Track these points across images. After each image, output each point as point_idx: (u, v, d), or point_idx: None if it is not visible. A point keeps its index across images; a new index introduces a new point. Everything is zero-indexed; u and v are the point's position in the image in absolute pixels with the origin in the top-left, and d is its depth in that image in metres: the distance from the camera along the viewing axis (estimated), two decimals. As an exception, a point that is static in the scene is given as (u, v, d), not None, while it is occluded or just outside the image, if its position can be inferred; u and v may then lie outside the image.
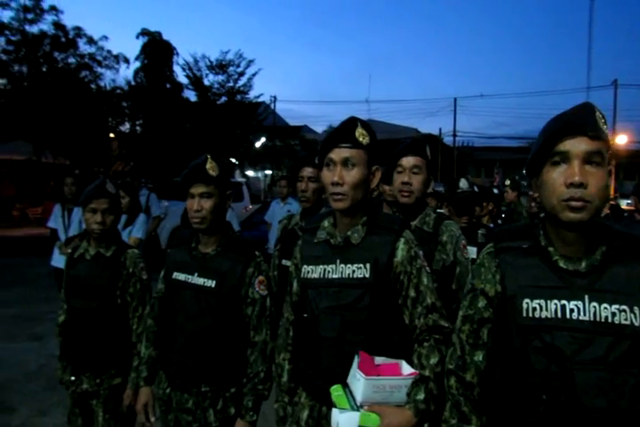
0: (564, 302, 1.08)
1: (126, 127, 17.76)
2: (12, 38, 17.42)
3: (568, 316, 1.06)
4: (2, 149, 16.03)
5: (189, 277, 1.74)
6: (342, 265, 1.42)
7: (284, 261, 2.36)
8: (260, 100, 20.02)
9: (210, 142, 16.37)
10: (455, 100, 27.96)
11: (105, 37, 19.09)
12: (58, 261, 4.45)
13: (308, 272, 1.49)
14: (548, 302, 1.09)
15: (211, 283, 1.70)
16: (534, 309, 1.09)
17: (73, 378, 2.10)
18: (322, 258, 1.47)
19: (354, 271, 1.40)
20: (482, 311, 1.21)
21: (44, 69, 17.55)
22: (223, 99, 18.32)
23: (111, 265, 2.09)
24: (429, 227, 1.98)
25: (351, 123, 1.43)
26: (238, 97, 18.38)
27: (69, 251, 4.35)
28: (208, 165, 1.71)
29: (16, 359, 4.19)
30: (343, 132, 1.42)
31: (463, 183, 2.74)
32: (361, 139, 1.40)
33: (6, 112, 16.84)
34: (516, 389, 1.11)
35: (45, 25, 17.64)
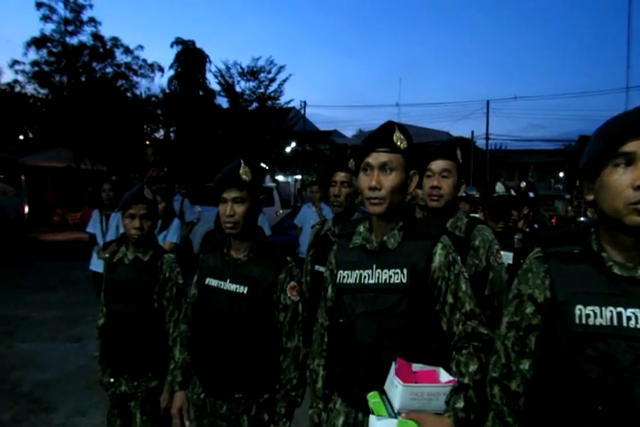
0: (620, 309, 1.03)
1: (160, 134, 18.22)
2: (54, 50, 18.21)
3: (625, 324, 1.01)
4: (44, 157, 16.75)
5: (222, 282, 1.75)
6: (379, 270, 1.41)
7: (317, 267, 2.36)
8: (291, 105, 20.25)
9: (241, 148, 16.60)
10: (488, 102, 27.45)
11: (140, 47, 19.75)
12: (96, 265, 4.58)
13: (344, 277, 1.48)
14: (603, 308, 1.04)
15: (243, 289, 1.70)
16: (587, 316, 1.05)
17: (112, 380, 2.14)
18: (358, 263, 1.46)
19: (390, 277, 1.39)
20: (529, 318, 1.16)
21: (83, 79, 18.22)
22: (254, 105, 18.57)
23: (148, 270, 2.13)
24: (461, 231, 1.95)
25: (389, 127, 1.42)
26: (269, 103, 18.60)
27: (107, 255, 4.50)
28: (241, 170, 1.72)
29: (57, 360, 4.32)
30: (381, 136, 1.41)
31: (499, 187, 2.68)
32: (399, 143, 1.39)
33: (48, 121, 17.57)
34: (568, 399, 1.07)
35: (84, 36, 18.37)
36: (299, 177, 28.35)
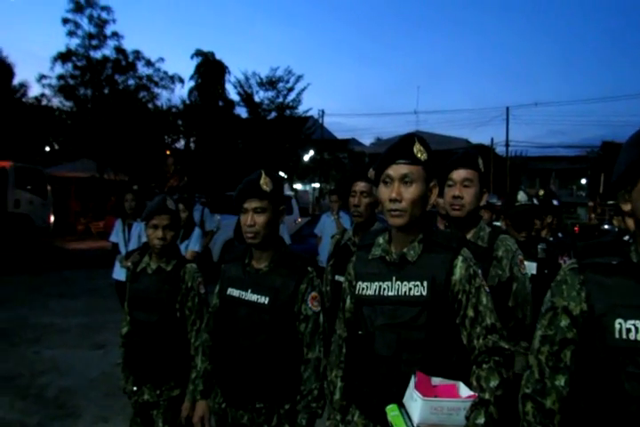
0: None
1: (181, 144, 18.50)
2: (79, 64, 18.69)
3: None
4: (68, 167, 17.18)
5: (243, 293, 1.76)
6: (398, 282, 1.41)
7: (337, 277, 2.36)
8: (309, 114, 20.40)
9: (260, 157, 16.75)
10: (508, 109, 27.20)
11: (161, 59, 20.10)
12: (119, 273, 4.64)
13: (363, 289, 1.48)
14: None
15: (264, 299, 1.71)
16: (628, 330, 1.00)
17: (135, 388, 2.16)
18: (377, 275, 1.46)
19: (410, 289, 1.38)
20: (564, 331, 1.12)
21: (107, 92, 18.64)
22: (273, 114, 18.76)
23: (171, 279, 2.15)
24: (484, 241, 1.93)
25: (409, 139, 1.43)
26: (287, 112, 18.77)
27: (130, 264, 4.56)
28: (262, 181, 1.74)
29: (81, 366, 4.38)
30: (401, 148, 1.41)
31: (522, 196, 2.64)
32: (419, 155, 1.40)
33: (73, 133, 18.00)
34: (607, 418, 1.03)
35: (108, 50, 18.81)
36: (317, 185, 28.44)
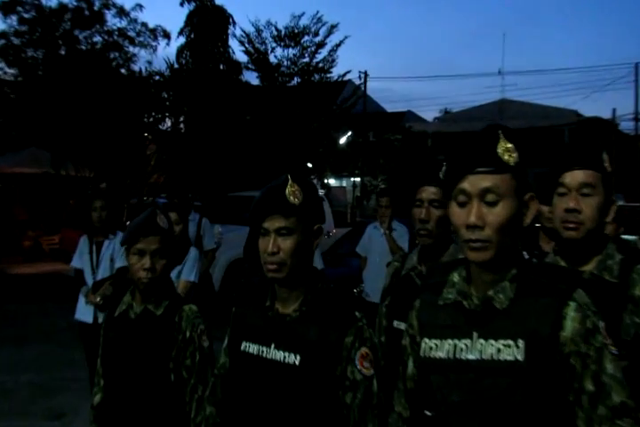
0: None
1: (167, 125, 18.71)
2: (26, 16, 19.32)
3: None
4: (12, 160, 17.25)
5: (264, 349, 1.78)
6: (482, 341, 1.42)
7: (395, 323, 2.36)
8: (346, 78, 20.38)
9: (277, 141, 16.83)
10: (637, 66, 26.64)
11: (139, 6, 20.58)
12: (84, 313, 4.77)
13: (431, 349, 1.50)
14: None
15: (293, 358, 1.72)
16: None
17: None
18: (451, 329, 1.48)
19: (499, 350, 1.39)
20: None
21: (63, 53, 19.16)
22: (295, 80, 18.83)
23: (162, 328, 2.19)
24: (613, 275, 1.92)
25: (490, 135, 1.43)
26: (316, 77, 18.79)
27: (99, 300, 4.68)
28: (288, 190, 1.74)
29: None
30: (479, 149, 1.42)
31: None
32: (506, 157, 1.39)
33: (17, 111, 18.52)
34: None
35: (65, -5, 19.35)
36: (358, 179, 28.45)
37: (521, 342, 1.36)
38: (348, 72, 19.98)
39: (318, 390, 1.70)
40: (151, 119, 18.12)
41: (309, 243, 1.79)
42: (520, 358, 1.36)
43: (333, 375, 1.72)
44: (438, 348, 1.48)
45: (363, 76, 27.76)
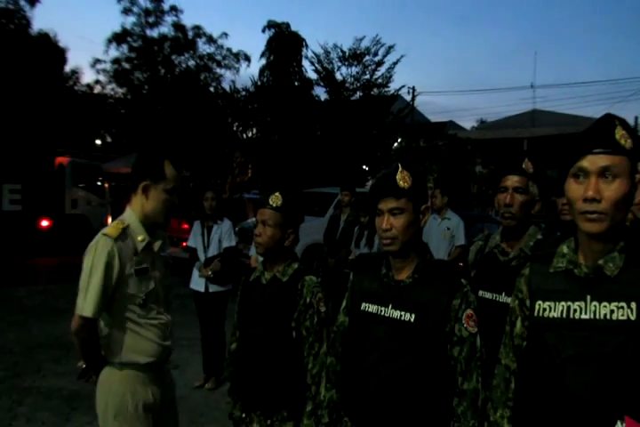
0: None
1: (253, 133, 19.00)
2: (134, 44, 19.98)
3: None
4: (124, 163, 17.93)
5: (382, 308, 1.78)
6: (595, 303, 1.38)
7: (480, 293, 2.34)
8: (400, 92, 20.20)
9: (342, 146, 16.84)
10: (659, 77, 25.41)
11: (225, 34, 21.01)
12: (197, 283, 4.89)
13: (545, 310, 1.46)
14: None
15: (409, 316, 1.71)
16: None
17: (243, 415, 2.26)
18: (564, 293, 1.44)
19: (612, 311, 1.35)
20: None
21: (162, 73, 19.71)
22: (358, 94, 18.77)
23: (287, 292, 2.22)
24: None
25: (608, 121, 1.39)
26: (375, 91, 18.69)
27: (210, 273, 4.79)
28: (399, 175, 1.75)
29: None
30: (599, 133, 1.38)
31: None
32: (623, 142, 1.36)
33: (127, 123, 19.19)
34: None
35: (166, 27, 19.95)
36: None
37: (634, 304, 1.33)
38: (403, 86, 20.06)
39: (429, 344, 1.70)
40: (240, 128, 18.45)
41: (418, 220, 1.79)
42: (633, 317, 1.32)
43: (443, 332, 1.71)
44: (552, 309, 1.44)
45: (411, 90, 27.40)
